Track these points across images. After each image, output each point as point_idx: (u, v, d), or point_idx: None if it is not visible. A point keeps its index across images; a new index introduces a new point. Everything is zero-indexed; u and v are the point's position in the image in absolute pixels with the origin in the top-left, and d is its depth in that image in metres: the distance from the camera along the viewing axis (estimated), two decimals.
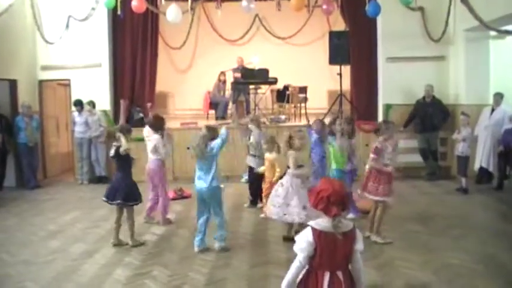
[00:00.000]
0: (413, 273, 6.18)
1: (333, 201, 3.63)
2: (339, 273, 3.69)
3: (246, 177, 11.05)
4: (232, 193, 10.20)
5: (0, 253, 7.39)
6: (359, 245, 3.74)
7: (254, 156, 9.76)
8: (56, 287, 6.07)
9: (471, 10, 9.67)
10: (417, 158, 12.47)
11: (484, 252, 6.91)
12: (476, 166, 11.26)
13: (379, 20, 12.89)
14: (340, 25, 15.31)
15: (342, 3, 13.05)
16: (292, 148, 7.44)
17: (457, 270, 6.26)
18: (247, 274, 6.32)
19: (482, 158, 11.13)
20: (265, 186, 9.09)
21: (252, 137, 9.82)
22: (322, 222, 3.69)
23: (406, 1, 11.46)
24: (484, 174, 11.37)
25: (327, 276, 3.69)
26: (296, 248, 3.76)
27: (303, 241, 3.71)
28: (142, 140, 11.67)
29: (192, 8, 12.58)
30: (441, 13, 12.06)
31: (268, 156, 9.00)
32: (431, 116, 12.07)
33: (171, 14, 11.43)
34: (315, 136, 8.80)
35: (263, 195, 9.18)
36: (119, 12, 11.69)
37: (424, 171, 12.44)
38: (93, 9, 12.94)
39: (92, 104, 12.88)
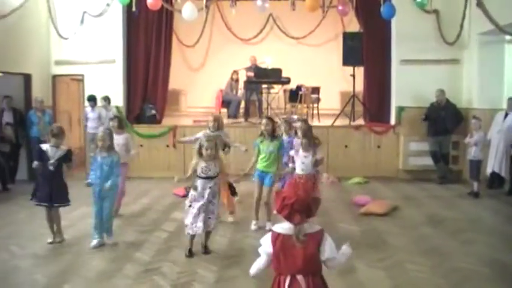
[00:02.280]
0: (423, 276, 6.16)
1: (297, 208, 3.58)
2: (299, 277, 3.62)
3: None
4: (245, 191, 10.19)
5: (10, 245, 7.43)
6: (327, 254, 3.65)
7: None
8: (64, 281, 6.08)
9: (486, 13, 9.62)
10: (428, 161, 12.43)
11: (493, 257, 6.88)
12: (488, 170, 11.19)
13: (394, 22, 12.85)
14: (354, 26, 15.28)
15: (357, 4, 13.01)
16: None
17: (466, 274, 6.23)
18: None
19: (495, 162, 11.05)
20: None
21: None
22: (285, 226, 3.69)
23: (421, 3, 11.45)
24: (495, 179, 11.31)
25: (287, 281, 3.66)
26: (260, 249, 3.85)
27: (264, 244, 3.79)
28: (154, 136, 11.78)
29: (206, 6, 12.60)
30: (456, 16, 12.00)
31: None
32: (444, 120, 12.01)
33: (187, 11, 11.46)
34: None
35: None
36: (133, 8, 11.73)
37: (435, 174, 12.38)
38: (108, 5, 13.01)
39: (108, 100, 12.92)
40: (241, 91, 16.14)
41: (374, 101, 14.04)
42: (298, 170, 7.80)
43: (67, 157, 7.55)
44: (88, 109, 13.06)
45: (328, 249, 3.65)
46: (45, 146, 7.46)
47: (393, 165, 12.91)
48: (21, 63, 12.41)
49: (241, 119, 14.66)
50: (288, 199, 3.62)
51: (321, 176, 8.50)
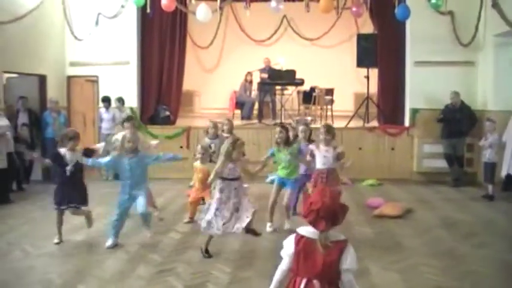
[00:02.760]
0: (436, 279, 6.13)
1: (322, 215, 3.55)
2: (316, 282, 3.60)
3: (271, 177, 11.04)
4: (257, 193, 10.19)
5: (25, 245, 7.49)
6: (347, 264, 3.59)
7: None
8: (79, 281, 6.11)
9: (502, 15, 9.58)
10: (442, 164, 12.38)
11: (506, 261, 6.85)
12: (503, 173, 11.12)
13: (408, 24, 12.82)
14: (368, 28, 15.25)
15: (371, 6, 12.99)
16: None
17: (479, 277, 6.20)
18: (271, 274, 6.29)
19: (510, 165, 10.98)
20: None
21: None
22: (310, 229, 3.66)
23: (436, 5, 11.40)
24: (510, 182, 11.23)
25: (303, 283, 3.64)
26: (282, 252, 3.80)
27: (287, 246, 3.76)
28: (168, 137, 11.80)
29: (220, 8, 12.62)
30: (471, 18, 11.96)
31: None
32: (458, 122, 11.95)
33: (201, 12, 11.52)
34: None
35: None
36: (148, 10, 11.78)
37: (449, 176, 12.33)
38: (122, 6, 13.06)
39: (122, 101, 13.00)
40: (255, 92, 16.17)
41: (388, 103, 14.01)
42: (320, 165, 7.71)
43: (86, 154, 7.61)
44: (102, 110, 13.13)
45: (349, 258, 3.60)
46: (63, 151, 7.47)
47: (407, 167, 12.87)
48: (36, 65, 12.51)
49: (255, 121, 14.68)
50: (314, 205, 3.59)
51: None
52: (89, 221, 7.92)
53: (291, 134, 8.25)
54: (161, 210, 9.42)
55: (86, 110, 14.74)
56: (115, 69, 13.56)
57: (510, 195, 10.89)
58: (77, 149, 7.53)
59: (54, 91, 13.04)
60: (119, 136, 9.03)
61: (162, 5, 11.51)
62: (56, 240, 7.57)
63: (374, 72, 14.15)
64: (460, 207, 10.03)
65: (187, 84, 15.56)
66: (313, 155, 7.82)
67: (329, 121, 14.55)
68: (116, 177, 12.82)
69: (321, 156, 7.70)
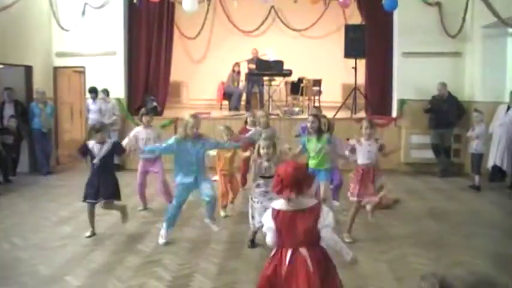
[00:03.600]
0: (425, 269, 6.14)
1: (286, 184, 3.81)
2: (303, 250, 3.85)
3: None
4: None
5: (13, 237, 7.45)
6: (324, 222, 3.87)
7: None
8: (67, 272, 6.10)
9: (489, 6, 9.61)
10: (430, 154, 12.42)
11: (494, 250, 6.89)
12: (490, 164, 11.18)
13: (396, 14, 12.82)
14: (356, 18, 15.21)
15: None
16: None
17: (468, 266, 6.23)
18: (259, 264, 6.32)
19: (496, 156, 11.04)
20: None
21: None
22: (282, 202, 3.93)
23: None
24: (497, 173, 11.29)
25: (289, 253, 3.87)
26: (264, 228, 4.11)
27: (265, 221, 4.06)
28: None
29: None
30: (459, 9, 12.00)
31: None
32: (446, 113, 11.99)
33: (187, 3, 11.44)
34: None
35: None
36: (134, 0, 11.71)
37: (437, 167, 12.38)
38: None
39: (106, 92, 12.95)
40: (242, 83, 16.15)
41: (376, 94, 14.01)
42: (363, 160, 7.32)
43: (116, 150, 7.54)
44: (89, 101, 13.04)
45: (325, 217, 3.89)
46: (91, 144, 7.34)
47: (395, 158, 12.86)
48: (22, 55, 12.41)
49: (243, 111, 14.66)
50: (279, 175, 3.90)
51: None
52: (124, 216, 7.77)
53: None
54: (150, 201, 9.43)
55: (73, 101, 14.67)
56: (102, 60, 13.47)
57: (497, 185, 10.96)
58: (107, 141, 7.39)
59: (40, 82, 12.94)
60: (137, 132, 8.94)
61: None
62: (87, 234, 7.47)
63: (362, 63, 14.15)
64: (447, 198, 10.09)
65: (174, 75, 15.50)
66: (353, 150, 7.46)
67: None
68: None
69: (365, 151, 7.33)
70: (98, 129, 7.39)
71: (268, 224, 4.00)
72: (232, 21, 17.35)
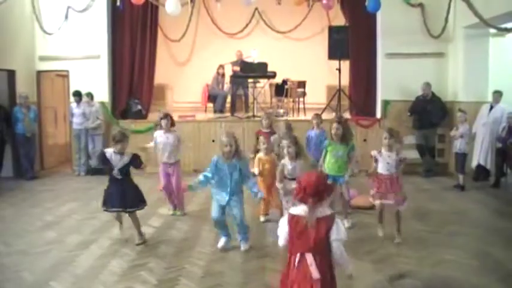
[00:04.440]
0: (410, 269, 6.18)
1: (309, 192, 3.99)
2: (309, 255, 3.99)
3: None
4: None
5: None
6: (335, 235, 4.02)
7: None
8: (51, 277, 6.06)
9: (471, 7, 9.69)
10: (414, 155, 12.46)
11: (479, 249, 6.93)
12: (474, 163, 11.26)
13: (379, 16, 12.86)
14: (339, 20, 15.25)
15: None
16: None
17: (453, 266, 6.28)
18: (244, 267, 6.33)
19: (480, 155, 11.14)
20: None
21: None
22: (300, 209, 4.09)
23: None
24: (481, 172, 11.38)
25: (297, 258, 4.04)
26: (278, 231, 4.24)
27: (281, 225, 4.20)
28: (140, 131, 11.72)
29: (191, 1, 12.56)
30: (441, 10, 12.10)
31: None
32: (429, 113, 12.06)
33: (171, 6, 11.42)
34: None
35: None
36: (118, 3, 11.68)
37: (421, 167, 12.43)
38: (92, 0, 12.91)
39: (91, 96, 12.88)
40: (227, 85, 16.14)
41: (360, 95, 14.04)
42: (383, 170, 7.36)
43: (134, 163, 7.28)
44: (73, 105, 12.96)
45: (337, 230, 4.04)
46: (109, 153, 7.13)
47: None
48: (4, 59, 12.30)
49: (228, 114, 14.66)
50: (302, 184, 4.07)
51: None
52: (139, 235, 7.43)
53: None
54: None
55: (57, 105, 14.58)
56: (86, 64, 13.40)
57: (481, 185, 11.05)
58: (126, 153, 7.18)
59: (23, 86, 12.84)
60: (158, 136, 8.85)
61: None
62: (137, 241, 7.33)
63: (346, 65, 14.17)
64: (432, 197, 10.14)
65: (159, 78, 15.45)
66: (376, 160, 7.47)
67: (301, 114, 14.60)
68: (88, 172, 12.79)
69: (384, 162, 7.37)
70: (118, 140, 7.11)
71: (283, 227, 4.17)
72: (216, 23, 17.35)
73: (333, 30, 14.04)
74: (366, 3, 11.34)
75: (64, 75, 14.00)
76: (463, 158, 10.70)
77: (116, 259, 6.68)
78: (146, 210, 8.97)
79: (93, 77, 13.34)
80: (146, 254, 6.87)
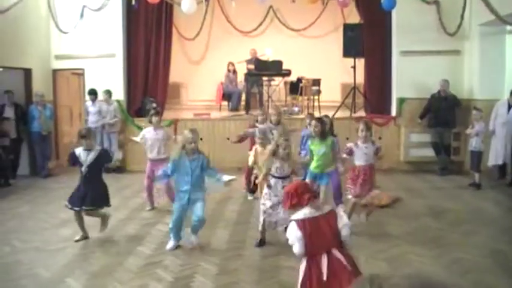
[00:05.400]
0: (425, 268, 6.16)
1: (301, 191, 4.21)
2: (335, 251, 4.12)
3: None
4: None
5: (12, 240, 7.46)
6: (343, 222, 4.24)
7: None
8: (67, 274, 6.10)
9: (487, 4, 9.60)
10: (430, 153, 12.42)
11: (494, 248, 6.87)
12: (491, 162, 11.17)
13: (394, 13, 12.82)
14: (354, 18, 15.21)
15: None
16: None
17: (467, 264, 6.24)
18: (259, 265, 6.34)
19: (498, 154, 11.04)
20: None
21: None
22: (304, 211, 4.20)
23: None
24: (497, 170, 11.30)
25: (324, 258, 4.11)
26: (290, 241, 4.23)
27: (292, 232, 4.20)
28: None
29: None
30: (457, 7, 11.99)
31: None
32: (445, 111, 12.00)
33: (186, 4, 11.45)
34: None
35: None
36: (133, 2, 11.72)
37: (436, 165, 12.37)
38: None
39: (109, 94, 12.92)
40: (240, 82, 16.14)
41: (375, 93, 14.01)
42: (361, 161, 7.48)
43: (103, 159, 7.36)
44: (89, 103, 13.04)
45: (342, 217, 4.27)
46: (78, 151, 7.19)
47: (394, 156, 12.87)
48: (21, 58, 12.41)
49: (243, 112, 14.66)
50: (288, 189, 4.29)
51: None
52: (103, 224, 7.56)
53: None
54: (145, 202, 9.44)
55: (72, 104, 14.67)
56: (101, 62, 13.48)
57: (497, 183, 10.97)
58: (95, 148, 7.26)
59: (39, 85, 12.95)
60: (146, 132, 8.99)
61: None
62: (77, 237, 7.39)
63: (360, 62, 14.15)
64: (447, 196, 10.08)
65: (173, 76, 15.50)
66: (351, 153, 7.62)
67: (316, 112, 14.56)
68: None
69: (362, 153, 7.50)
70: (83, 135, 7.17)
71: (295, 234, 4.16)
72: (230, 21, 17.33)
73: (347, 28, 13.99)
74: (381, 1, 11.29)
75: (79, 74, 14.07)
76: (478, 156, 10.62)
77: (131, 257, 6.71)
78: (160, 208, 9.06)
79: (108, 76, 13.40)
80: (161, 252, 6.89)
